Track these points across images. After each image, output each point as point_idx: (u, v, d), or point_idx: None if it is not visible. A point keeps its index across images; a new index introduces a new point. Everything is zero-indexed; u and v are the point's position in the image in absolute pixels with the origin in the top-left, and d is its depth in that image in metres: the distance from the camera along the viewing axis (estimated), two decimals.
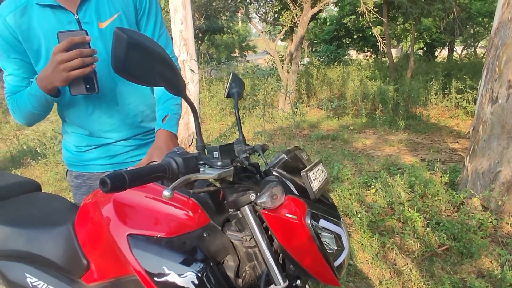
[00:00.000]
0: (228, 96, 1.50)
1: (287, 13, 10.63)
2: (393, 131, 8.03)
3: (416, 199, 3.88)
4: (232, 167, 1.02)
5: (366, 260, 3.16)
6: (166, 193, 0.88)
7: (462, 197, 3.82)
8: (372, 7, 10.39)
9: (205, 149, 1.07)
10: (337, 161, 5.69)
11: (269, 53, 12.59)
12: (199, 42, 21.27)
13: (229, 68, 17.50)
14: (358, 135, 7.80)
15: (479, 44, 26.44)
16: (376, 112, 8.37)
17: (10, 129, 8.50)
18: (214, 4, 11.11)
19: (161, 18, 1.57)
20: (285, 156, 1.15)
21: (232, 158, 1.06)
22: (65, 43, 1.25)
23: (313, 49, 24.90)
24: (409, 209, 3.63)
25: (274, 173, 1.12)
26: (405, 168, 5.01)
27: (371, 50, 23.23)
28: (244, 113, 9.58)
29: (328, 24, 22.66)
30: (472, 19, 16.82)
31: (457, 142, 7.08)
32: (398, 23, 17.62)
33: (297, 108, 9.69)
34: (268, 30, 23.13)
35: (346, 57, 21.81)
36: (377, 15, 10.78)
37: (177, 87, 0.96)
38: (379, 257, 3.14)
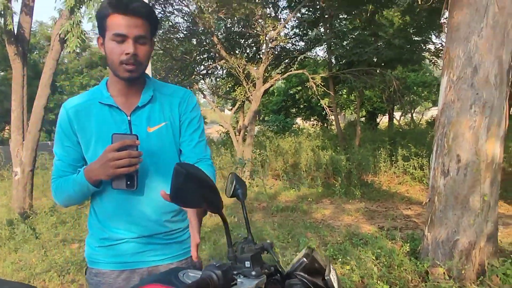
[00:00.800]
0: (232, 196, 1.62)
1: (240, 88, 11.12)
2: (349, 200, 8.32)
3: (384, 271, 4.03)
4: (265, 276, 1.12)
5: None
6: None
7: (426, 266, 4.02)
8: (320, 81, 11.09)
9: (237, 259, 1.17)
10: (301, 234, 5.81)
11: (221, 125, 12.91)
12: None
13: None
14: (317, 206, 8.02)
15: (415, 110, 28.60)
16: (331, 182, 8.70)
17: None
18: (169, 79, 11.45)
19: (202, 129, 1.75)
20: (305, 260, 1.26)
21: (260, 265, 1.16)
22: (117, 144, 1.44)
23: (262, 119, 25.72)
24: (379, 282, 3.76)
25: (298, 276, 1.22)
26: (367, 238, 5.21)
27: (318, 119, 24.34)
28: None
29: (276, 95, 23.67)
30: (409, 89, 18.27)
31: (410, 208, 7.44)
32: (342, 94, 18.73)
33: (254, 180, 9.88)
34: (221, 104, 23.79)
35: (294, 126, 22.64)
36: (325, 88, 11.48)
37: (217, 206, 1.08)
38: None
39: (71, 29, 7.16)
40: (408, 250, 4.52)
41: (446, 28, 4.25)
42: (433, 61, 12.82)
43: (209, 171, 1.70)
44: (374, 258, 4.21)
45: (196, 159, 1.71)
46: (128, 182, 1.51)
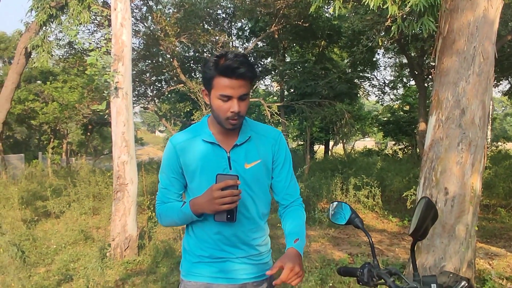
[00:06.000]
0: (347, 224, 1.77)
1: (198, 113, 11.20)
2: (311, 226, 8.58)
3: None
4: None
5: None
6: None
7: None
8: (276, 110, 11.45)
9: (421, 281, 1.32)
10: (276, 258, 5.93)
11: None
12: (89, 134, 20.68)
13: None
14: (281, 231, 8.17)
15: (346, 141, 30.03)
16: None
17: None
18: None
19: (291, 167, 1.95)
20: (466, 283, 1.43)
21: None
22: (222, 184, 1.65)
23: None
24: None
25: None
26: (344, 263, 5.46)
27: None
28: None
29: None
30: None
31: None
32: (293, 123, 19.38)
33: None
34: (152, 126, 23.48)
35: None
36: (280, 117, 11.85)
37: (427, 234, 1.23)
38: None
39: (42, 43, 6.92)
40: None
41: (434, 73, 4.71)
42: (379, 96, 13.70)
43: (302, 211, 1.96)
44: None
45: (290, 198, 1.95)
46: (229, 216, 1.73)
